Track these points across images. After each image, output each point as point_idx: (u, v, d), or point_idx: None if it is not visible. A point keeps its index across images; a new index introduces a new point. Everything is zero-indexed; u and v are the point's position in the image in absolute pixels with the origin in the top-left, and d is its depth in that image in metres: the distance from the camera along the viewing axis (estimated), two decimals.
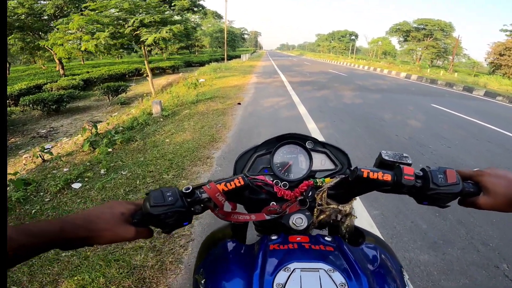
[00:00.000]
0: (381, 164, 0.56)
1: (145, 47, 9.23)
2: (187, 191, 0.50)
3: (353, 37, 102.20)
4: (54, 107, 9.41)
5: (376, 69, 22.84)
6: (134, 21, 7.92)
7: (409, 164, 0.54)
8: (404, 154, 0.56)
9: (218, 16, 58.44)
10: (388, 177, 0.52)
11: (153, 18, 8.06)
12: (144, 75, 21.92)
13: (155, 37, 7.82)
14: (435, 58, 60.03)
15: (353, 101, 7.65)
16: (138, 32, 8.22)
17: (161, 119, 5.64)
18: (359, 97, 8.28)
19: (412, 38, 58.84)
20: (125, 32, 8.48)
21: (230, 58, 36.97)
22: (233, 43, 55.24)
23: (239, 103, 6.18)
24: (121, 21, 8.39)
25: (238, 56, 37.68)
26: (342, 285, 0.43)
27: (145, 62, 9.85)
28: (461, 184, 0.49)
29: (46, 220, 0.41)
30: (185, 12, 36.33)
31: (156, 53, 54.47)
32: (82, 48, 8.89)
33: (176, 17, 11.54)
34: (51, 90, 11.46)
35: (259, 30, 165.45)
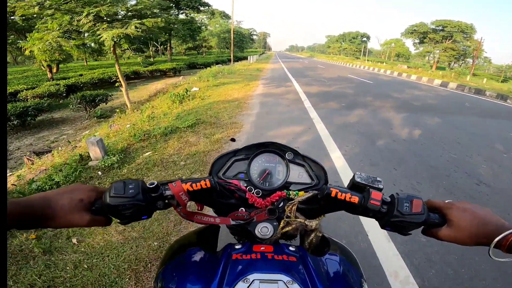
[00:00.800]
0: (353, 186, 0.55)
1: (114, 48, 6.70)
2: (151, 186, 0.50)
3: (364, 39, 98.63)
4: (16, 122, 7.55)
5: (401, 74, 19.96)
6: (87, 14, 5.39)
7: (379, 189, 0.53)
8: (378, 178, 0.55)
9: (226, 16, 56.08)
10: (355, 199, 0.52)
11: (115, 10, 5.52)
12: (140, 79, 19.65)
13: (115, 35, 5.27)
14: (452, 61, 56.40)
15: (410, 133, 4.89)
16: (95, 28, 5.71)
17: (99, 173, 3.08)
18: (413, 124, 5.52)
19: (429, 40, 55.31)
20: (84, 29, 5.97)
21: (237, 59, 34.71)
22: (241, 44, 52.84)
23: (233, 139, 3.62)
24: (75, 15, 5.88)
25: (246, 58, 35.61)
26: None
27: (116, 67, 7.31)
28: (426, 215, 0.49)
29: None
30: (190, 11, 34.09)
31: (163, 53, 52.80)
32: (27, 52, 6.47)
33: (182, 16, 9.04)
34: (27, 99, 9.62)
35: (268, 32, 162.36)
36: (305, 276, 0.47)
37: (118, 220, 0.50)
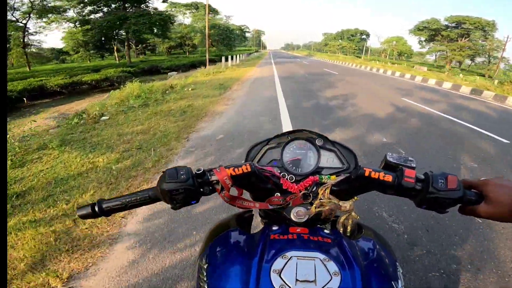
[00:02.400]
0: (386, 166, 0.55)
1: None
2: (199, 172, 0.53)
3: (364, 36, 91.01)
4: None
5: (426, 79, 13.97)
6: None
7: (412, 168, 0.53)
8: (410, 158, 0.55)
9: (213, 11, 47.41)
10: (389, 177, 0.51)
11: None
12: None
13: None
14: (463, 61, 49.24)
15: None
16: None
17: None
18: None
19: (441, 37, 47.84)
20: None
21: (219, 60, 26.90)
22: (228, 42, 44.57)
23: None
24: None
25: (231, 58, 27.95)
26: (336, 274, 0.44)
27: None
28: (462, 191, 0.48)
29: None
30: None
31: (143, 53, 44.46)
32: None
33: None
34: None
35: (263, 30, 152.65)
36: (340, 256, 0.48)
37: (170, 206, 0.52)
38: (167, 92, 7.35)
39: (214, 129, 4.24)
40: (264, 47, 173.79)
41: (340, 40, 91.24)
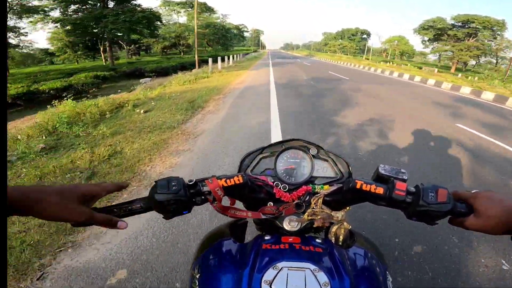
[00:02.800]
0: (378, 177, 0.55)
1: None
2: (191, 183, 0.53)
3: (364, 36, 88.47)
4: None
5: (456, 87, 11.60)
6: None
7: (404, 180, 0.53)
8: (402, 170, 0.55)
9: (209, 9, 44.72)
10: (380, 190, 0.51)
11: None
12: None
13: None
14: (468, 61, 46.88)
15: None
16: None
17: None
18: None
19: (448, 37, 45.38)
20: None
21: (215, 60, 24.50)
22: (224, 41, 41.96)
23: None
24: None
25: (222, 59, 25.69)
26: (326, 285, 0.44)
27: None
28: (451, 204, 0.48)
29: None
30: None
31: (138, 52, 41.70)
32: None
33: None
34: None
35: (262, 30, 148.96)
36: (331, 266, 0.48)
37: (162, 215, 0.52)
38: (107, 116, 4.84)
39: (106, 255, 1.73)
40: (264, 47, 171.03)
41: (340, 40, 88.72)
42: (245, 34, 73.38)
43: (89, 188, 0.48)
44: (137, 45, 43.21)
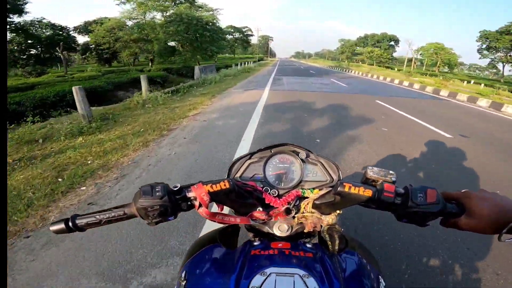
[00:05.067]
0: (367, 180, 0.54)
1: None
2: (175, 189, 0.52)
3: (391, 43, 73.69)
4: None
5: None
6: None
7: (393, 182, 0.52)
8: (390, 172, 0.53)
9: (191, 2, 29.52)
10: (369, 192, 0.50)
11: None
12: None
13: None
14: None
15: None
16: None
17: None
18: None
19: None
20: None
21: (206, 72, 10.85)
22: (202, 43, 26.52)
23: None
24: None
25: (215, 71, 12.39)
26: None
27: None
28: (441, 204, 0.47)
29: None
30: None
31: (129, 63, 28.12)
32: None
33: None
34: None
35: (274, 38, 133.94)
36: (321, 271, 0.47)
37: (147, 222, 0.50)
38: None
39: None
40: (274, 55, 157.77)
41: (363, 47, 74.19)
42: (252, 40, 59.77)
43: None
44: (93, 52, 30.51)
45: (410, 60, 65.92)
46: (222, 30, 27.86)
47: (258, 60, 54.03)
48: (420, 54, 59.62)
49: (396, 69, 49.21)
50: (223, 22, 56.12)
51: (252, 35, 58.20)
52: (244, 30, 57.25)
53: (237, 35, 56.67)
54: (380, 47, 68.43)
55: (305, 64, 56.11)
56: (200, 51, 23.84)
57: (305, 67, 34.59)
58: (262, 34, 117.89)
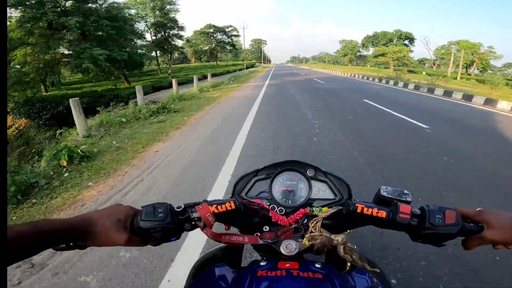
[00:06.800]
0: (380, 200, 0.51)
1: None
2: (179, 209, 0.50)
3: (406, 42, 62.07)
4: None
5: None
6: None
7: (408, 202, 0.49)
8: (405, 191, 0.51)
9: None
10: (383, 213, 0.48)
11: None
12: None
13: None
14: None
15: None
16: None
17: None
18: None
19: None
20: None
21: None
22: (117, 40, 14.13)
23: None
24: None
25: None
26: None
27: None
28: (460, 225, 0.45)
29: (44, 219, 0.40)
30: None
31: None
32: None
33: None
34: None
35: (269, 44, 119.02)
36: None
37: (148, 243, 0.49)
38: None
39: None
40: (269, 61, 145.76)
41: (372, 47, 62.38)
42: (234, 38, 47.39)
43: (124, 212, 0.47)
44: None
45: (432, 62, 54.22)
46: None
47: (247, 68, 41.56)
48: (442, 53, 47.91)
49: (424, 73, 37.36)
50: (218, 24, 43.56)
51: (238, 36, 45.85)
52: (228, 30, 44.95)
53: (219, 36, 44.30)
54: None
55: (305, 69, 43.47)
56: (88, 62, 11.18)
57: (303, 71, 22.28)
58: (255, 38, 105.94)
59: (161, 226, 0.45)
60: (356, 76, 23.25)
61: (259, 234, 0.56)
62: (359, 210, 0.48)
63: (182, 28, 25.52)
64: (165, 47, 24.21)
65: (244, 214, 0.56)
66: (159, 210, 0.47)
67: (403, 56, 46.70)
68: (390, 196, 0.49)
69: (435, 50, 51.73)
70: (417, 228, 0.46)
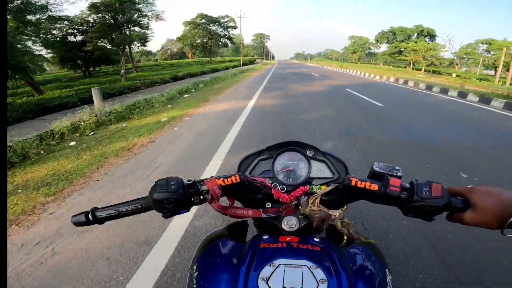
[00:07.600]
0: (373, 175, 0.55)
1: None
2: (189, 182, 0.52)
3: (426, 39, 55.10)
4: None
5: None
6: None
7: (398, 177, 0.52)
8: (396, 167, 0.55)
9: None
10: (375, 187, 0.51)
11: None
12: None
13: None
14: None
15: None
16: None
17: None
18: None
19: None
20: None
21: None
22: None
23: None
24: None
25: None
26: (323, 281, 0.43)
27: None
28: (446, 199, 0.47)
29: None
30: None
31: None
32: None
33: None
34: None
35: (272, 40, 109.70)
36: (328, 264, 0.47)
37: (162, 214, 0.51)
38: None
39: None
40: (272, 57, 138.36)
41: (387, 44, 55.52)
42: (232, 32, 40.68)
43: None
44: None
45: (454, 62, 47.40)
46: None
47: (244, 64, 34.85)
48: (468, 52, 41.06)
49: (454, 75, 30.79)
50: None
51: (235, 27, 39.16)
52: (223, 21, 38.31)
53: (213, 28, 37.67)
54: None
55: (315, 68, 34.49)
56: None
57: (311, 71, 15.65)
58: (257, 33, 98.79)
59: (174, 197, 0.49)
60: (386, 79, 16.54)
61: (262, 210, 0.59)
62: (353, 184, 0.50)
63: (141, 12, 18.84)
64: (113, 38, 17.64)
65: (248, 190, 0.59)
66: (172, 183, 0.50)
67: (434, 55, 39.66)
68: (382, 171, 0.53)
69: (459, 49, 44.87)
70: (406, 201, 0.48)
